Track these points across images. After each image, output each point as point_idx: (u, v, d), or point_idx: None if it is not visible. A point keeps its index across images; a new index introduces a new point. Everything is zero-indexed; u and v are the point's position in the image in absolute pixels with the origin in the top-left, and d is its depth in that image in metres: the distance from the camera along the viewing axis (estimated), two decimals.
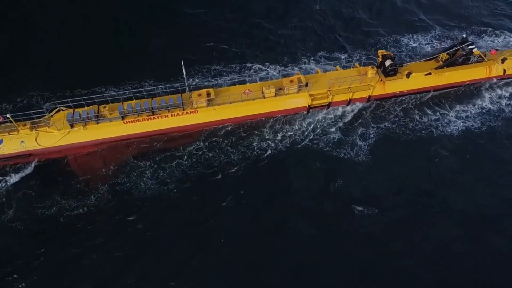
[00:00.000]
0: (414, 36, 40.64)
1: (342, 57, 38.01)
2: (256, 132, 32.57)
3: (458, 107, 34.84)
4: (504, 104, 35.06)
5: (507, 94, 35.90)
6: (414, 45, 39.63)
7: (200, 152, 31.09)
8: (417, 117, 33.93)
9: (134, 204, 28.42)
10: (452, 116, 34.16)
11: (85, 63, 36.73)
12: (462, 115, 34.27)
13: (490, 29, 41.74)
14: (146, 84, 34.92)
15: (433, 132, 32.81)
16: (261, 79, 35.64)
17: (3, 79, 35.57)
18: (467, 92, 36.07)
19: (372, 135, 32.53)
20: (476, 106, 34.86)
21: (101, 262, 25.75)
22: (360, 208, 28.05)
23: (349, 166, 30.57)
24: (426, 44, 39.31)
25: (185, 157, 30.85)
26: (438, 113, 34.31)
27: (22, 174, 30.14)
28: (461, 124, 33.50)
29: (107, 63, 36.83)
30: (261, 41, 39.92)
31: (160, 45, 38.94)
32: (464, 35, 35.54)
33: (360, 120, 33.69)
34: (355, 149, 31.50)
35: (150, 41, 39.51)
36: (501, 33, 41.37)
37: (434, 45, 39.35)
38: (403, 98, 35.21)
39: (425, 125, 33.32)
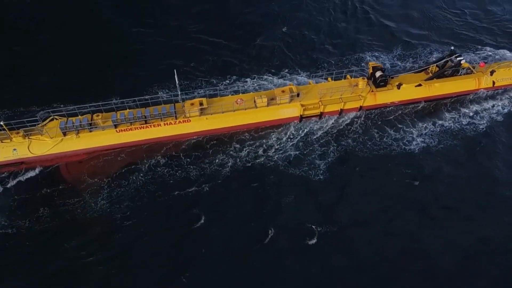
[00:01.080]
0: (376, 54, 40.67)
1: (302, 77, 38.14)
2: (221, 149, 32.45)
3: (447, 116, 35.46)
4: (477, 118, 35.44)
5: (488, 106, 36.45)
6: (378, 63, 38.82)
7: (160, 169, 31.10)
8: (377, 136, 33.76)
9: (122, 214, 28.36)
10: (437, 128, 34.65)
11: (79, 75, 37.23)
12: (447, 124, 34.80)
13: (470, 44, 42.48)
14: (142, 94, 35.36)
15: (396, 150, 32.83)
16: (254, 89, 36.16)
17: None
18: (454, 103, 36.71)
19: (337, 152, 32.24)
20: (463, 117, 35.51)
21: (87, 274, 25.53)
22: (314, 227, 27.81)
23: (304, 184, 30.19)
24: (389, 63, 39.13)
25: (166, 167, 31.15)
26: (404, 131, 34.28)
27: (12, 182, 30.13)
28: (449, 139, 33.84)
29: (101, 75, 37.33)
30: (251, 54, 40.67)
31: (153, 56, 39.57)
32: (452, 48, 36.26)
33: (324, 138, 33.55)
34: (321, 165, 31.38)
35: (142, 52, 40.15)
36: (481, 49, 42.05)
37: (395, 63, 39.33)
38: (373, 113, 35.38)
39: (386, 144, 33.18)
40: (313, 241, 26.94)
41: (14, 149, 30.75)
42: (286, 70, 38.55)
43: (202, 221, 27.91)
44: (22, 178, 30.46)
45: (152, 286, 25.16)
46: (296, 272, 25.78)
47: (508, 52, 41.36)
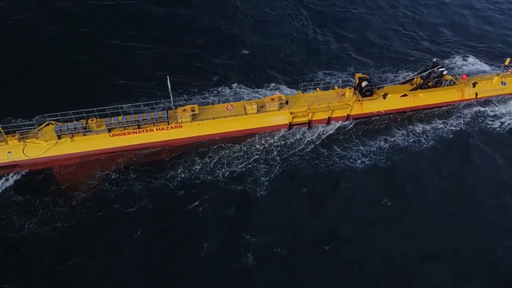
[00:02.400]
0: (333, 72, 41.36)
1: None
2: (180, 161, 32.66)
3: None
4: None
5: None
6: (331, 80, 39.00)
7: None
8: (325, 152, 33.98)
9: (111, 218, 28.77)
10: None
11: (75, 85, 38.81)
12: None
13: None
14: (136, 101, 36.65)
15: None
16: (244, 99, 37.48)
17: None
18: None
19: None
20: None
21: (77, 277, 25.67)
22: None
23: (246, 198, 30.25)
24: (340, 80, 38.76)
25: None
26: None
27: (2, 185, 30.67)
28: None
29: (97, 85, 38.87)
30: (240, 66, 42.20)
31: (146, 66, 41.33)
32: (435, 60, 37.94)
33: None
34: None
35: (136, 63, 41.85)
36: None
37: (348, 80, 39.47)
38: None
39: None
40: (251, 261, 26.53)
41: (9, 152, 31.51)
42: (272, 84, 39.78)
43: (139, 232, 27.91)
44: (12, 180, 31.03)
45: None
46: None
47: (485, 66, 43.08)
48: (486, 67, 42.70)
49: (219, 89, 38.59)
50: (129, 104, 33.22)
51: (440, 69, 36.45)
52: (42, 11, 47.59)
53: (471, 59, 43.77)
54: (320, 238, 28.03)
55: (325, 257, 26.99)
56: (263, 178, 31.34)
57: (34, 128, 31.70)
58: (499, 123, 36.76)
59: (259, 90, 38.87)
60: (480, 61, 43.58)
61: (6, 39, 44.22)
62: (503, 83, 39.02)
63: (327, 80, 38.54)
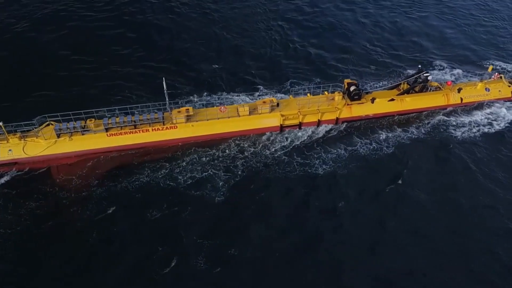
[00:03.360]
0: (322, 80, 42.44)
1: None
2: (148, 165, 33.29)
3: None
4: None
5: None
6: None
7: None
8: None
9: (104, 218, 29.46)
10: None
11: (75, 88, 40.78)
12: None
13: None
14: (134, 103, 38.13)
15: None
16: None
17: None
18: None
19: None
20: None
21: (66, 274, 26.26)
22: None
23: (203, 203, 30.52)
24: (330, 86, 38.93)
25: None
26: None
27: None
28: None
29: (96, 88, 40.76)
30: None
31: (144, 72, 43.42)
32: (420, 66, 39.63)
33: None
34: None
35: (135, 69, 43.99)
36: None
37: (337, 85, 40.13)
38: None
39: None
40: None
41: (10, 150, 32.69)
42: (264, 91, 41.41)
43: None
44: (10, 178, 32.11)
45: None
46: None
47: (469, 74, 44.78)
48: (469, 75, 44.37)
49: (212, 95, 40.28)
50: (126, 106, 34.63)
51: (425, 75, 38.07)
52: (47, 22, 50.58)
53: (456, 69, 45.55)
54: (270, 242, 28.29)
55: (275, 261, 27.13)
56: (221, 183, 31.80)
57: (34, 128, 33.07)
58: (460, 132, 37.44)
59: (250, 95, 40.46)
60: (463, 70, 45.36)
61: (13, 45, 46.98)
62: (487, 89, 40.55)
63: (317, 83, 40.17)
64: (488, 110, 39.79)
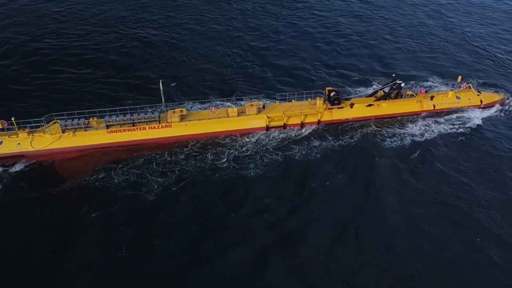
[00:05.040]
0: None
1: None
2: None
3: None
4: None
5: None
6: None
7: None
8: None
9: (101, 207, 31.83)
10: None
11: (80, 91, 45.25)
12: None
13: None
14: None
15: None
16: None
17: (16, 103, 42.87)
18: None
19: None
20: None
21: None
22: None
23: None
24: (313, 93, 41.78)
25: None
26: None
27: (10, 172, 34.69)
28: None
29: (99, 91, 45.14)
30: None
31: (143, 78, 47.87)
32: (394, 75, 43.53)
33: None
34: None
35: (135, 74, 48.63)
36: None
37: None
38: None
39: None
40: None
41: (18, 143, 35.96)
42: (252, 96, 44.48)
43: None
44: (19, 169, 35.11)
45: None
46: None
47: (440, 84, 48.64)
48: (440, 85, 48.17)
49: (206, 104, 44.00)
50: (126, 107, 38.25)
51: (398, 82, 41.85)
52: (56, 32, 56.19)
53: (429, 81, 49.54)
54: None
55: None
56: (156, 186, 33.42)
57: (42, 125, 36.54)
58: (390, 141, 39.73)
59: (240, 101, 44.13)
60: (434, 81, 49.41)
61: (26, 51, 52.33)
62: (458, 97, 44.17)
63: (300, 92, 43.70)
64: (458, 115, 43.27)
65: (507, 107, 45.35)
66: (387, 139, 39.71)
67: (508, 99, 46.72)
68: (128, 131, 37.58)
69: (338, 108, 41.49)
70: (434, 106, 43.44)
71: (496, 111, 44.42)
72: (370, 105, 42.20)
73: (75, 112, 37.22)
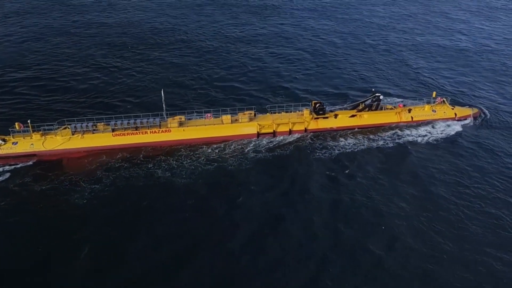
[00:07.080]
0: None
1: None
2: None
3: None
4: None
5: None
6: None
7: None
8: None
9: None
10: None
11: (90, 99, 50.03)
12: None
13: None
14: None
15: None
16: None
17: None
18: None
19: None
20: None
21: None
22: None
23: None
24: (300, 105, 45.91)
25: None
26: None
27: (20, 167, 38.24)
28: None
29: (107, 100, 49.81)
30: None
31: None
32: (373, 89, 47.93)
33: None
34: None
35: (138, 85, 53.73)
36: None
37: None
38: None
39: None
40: None
41: (32, 144, 39.76)
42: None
43: None
44: (30, 167, 38.57)
45: None
46: None
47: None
48: (416, 100, 52.23)
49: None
50: (130, 114, 42.41)
51: (377, 95, 46.21)
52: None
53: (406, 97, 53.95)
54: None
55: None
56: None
57: (55, 128, 40.56)
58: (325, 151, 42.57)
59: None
60: (411, 96, 53.69)
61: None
62: (433, 110, 48.28)
63: (289, 104, 48.13)
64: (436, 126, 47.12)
65: (478, 121, 49.19)
66: (318, 150, 42.14)
67: (482, 115, 50.70)
68: (131, 134, 41.46)
69: (323, 118, 45.58)
70: (412, 118, 47.47)
71: (469, 123, 48.24)
72: (353, 115, 46.31)
73: (84, 118, 41.50)
